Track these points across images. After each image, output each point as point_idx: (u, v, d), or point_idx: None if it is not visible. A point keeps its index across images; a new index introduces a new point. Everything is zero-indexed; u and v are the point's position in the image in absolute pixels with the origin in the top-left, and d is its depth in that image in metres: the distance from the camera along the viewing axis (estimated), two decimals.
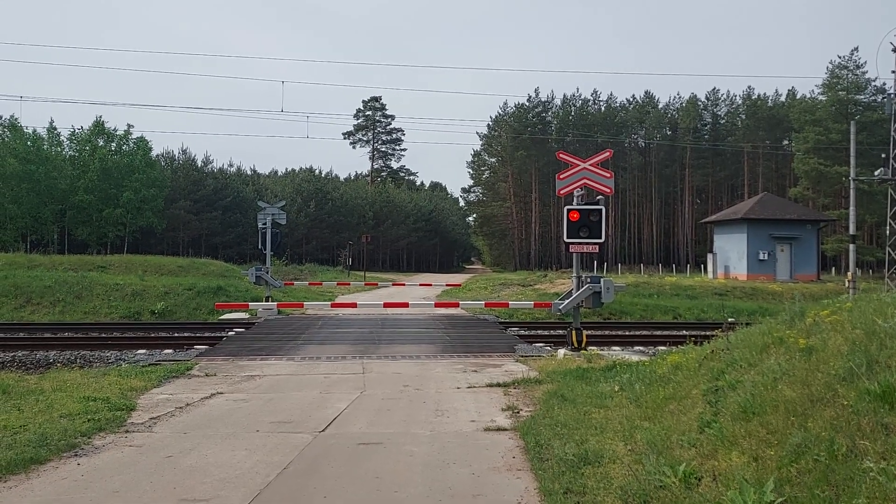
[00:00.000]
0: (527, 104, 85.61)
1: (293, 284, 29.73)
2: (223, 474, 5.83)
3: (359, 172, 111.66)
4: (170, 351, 14.97)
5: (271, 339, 16.30)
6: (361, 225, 77.13)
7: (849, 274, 26.07)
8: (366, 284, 36.77)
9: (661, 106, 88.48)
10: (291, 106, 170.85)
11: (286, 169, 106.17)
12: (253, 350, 14.18)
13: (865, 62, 64.35)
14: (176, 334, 18.51)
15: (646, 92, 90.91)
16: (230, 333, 17.90)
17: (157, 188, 59.20)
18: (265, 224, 24.57)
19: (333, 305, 19.85)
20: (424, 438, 7.07)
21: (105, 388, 9.53)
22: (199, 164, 74.80)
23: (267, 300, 23.70)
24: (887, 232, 28.90)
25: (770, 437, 4.97)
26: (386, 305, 17.93)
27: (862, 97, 63.69)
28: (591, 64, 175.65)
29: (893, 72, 27.41)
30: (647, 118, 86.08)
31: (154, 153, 64.53)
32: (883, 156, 29.41)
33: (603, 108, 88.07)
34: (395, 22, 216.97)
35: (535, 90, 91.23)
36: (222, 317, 22.59)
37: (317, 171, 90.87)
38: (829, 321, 6.78)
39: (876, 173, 29.08)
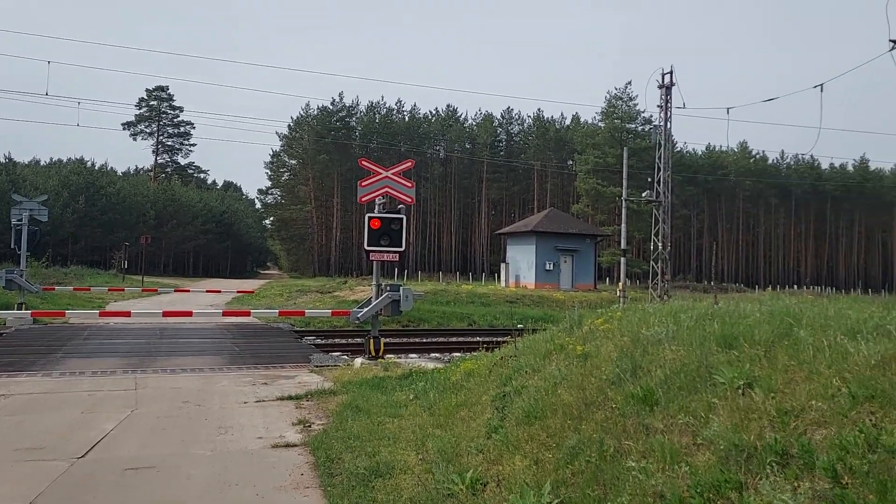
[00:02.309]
0: (331, 108, 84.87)
1: (54, 290, 26.37)
2: None
3: (140, 167, 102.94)
4: None
5: (24, 352, 14.38)
6: (141, 224, 70.42)
7: (620, 284, 28.98)
8: (143, 291, 33.61)
9: (462, 120, 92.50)
10: (59, 89, 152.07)
11: (51, 159, 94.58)
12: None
13: (637, 95, 72.34)
14: None
15: (448, 105, 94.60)
16: None
17: None
18: (21, 220, 21.79)
19: (102, 314, 17.85)
20: (205, 459, 6.58)
21: None
22: None
23: (20, 307, 20.85)
24: (651, 247, 32.55)
25: (549, 440, 5.21)
26: (166, 314, 16.50)
27: (633, 126, 71.53)
28: (396, 74, 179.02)
29: (659, 106, 31.08)
30: (448, 131, 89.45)
31: None
32: (649, 180, 33.14)
33: (407, 118, 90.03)
34: (187, 9, 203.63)
35: (340, 94, 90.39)
36: None
37: (89, 163, 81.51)
38: (602, 329, 7.35)
39: (643, 195, 32.72)
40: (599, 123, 73.98)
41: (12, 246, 22.73)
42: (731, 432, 3.95)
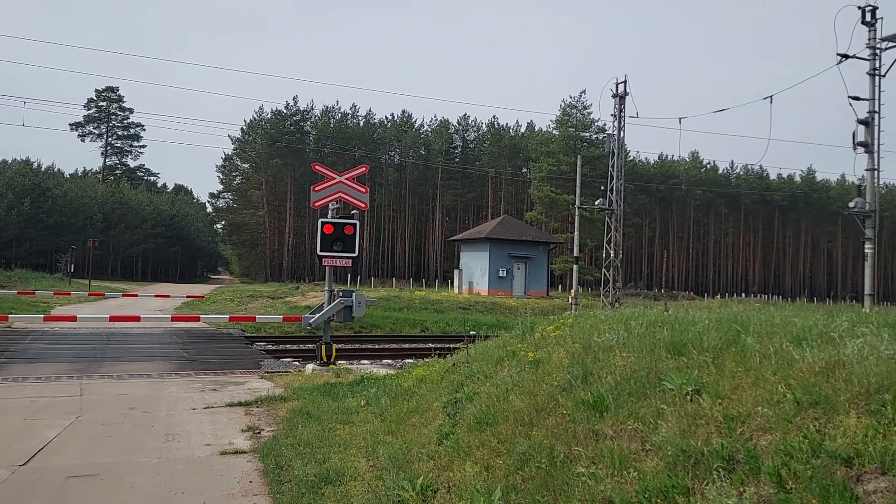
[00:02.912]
0: (284, 111, 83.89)
1: None
2: None
3: (88, 169, 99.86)
4: None
5: None
6: (88, 227, 68.40)
7: (572, 291, 29.33)
8: (90, 295, 32.68)
9: (417, 126, 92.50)
10: (4, 88, 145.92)
11: None
12: None
13: (591, 104, 73.10)
14: None
15: (403, 111, 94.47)
16: None
17: None
18: None
19: (47, 318, 17.25)
20: (150, 467, 6.42)
21: None
22: None
23: None
24: (604, 255, 33.02)
25: (500, 446, 5.22)
26: (113, 319, 16.02)
27: (587, 134, 72.42)
28: (351, 78, 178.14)
29: (612, 115, 31.49)
30: (403, 137, 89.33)
31: None
32: (602, 188, 33.64)
33: (362, 123, 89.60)
34: (136, 9, 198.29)
35: (294, 98, 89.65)
36: None
37: (35, 164, 78.79)
38: (553, 336, 7.40)
39: (596, 203, 33.11)
40: (554, 131, 74.67)
41: None
42: (679, 438, 4.01)
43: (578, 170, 30.34)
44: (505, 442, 5.24)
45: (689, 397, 4.48)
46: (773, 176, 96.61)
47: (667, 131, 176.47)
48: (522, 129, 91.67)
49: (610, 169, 31.75)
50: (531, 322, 8.71)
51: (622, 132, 31.43)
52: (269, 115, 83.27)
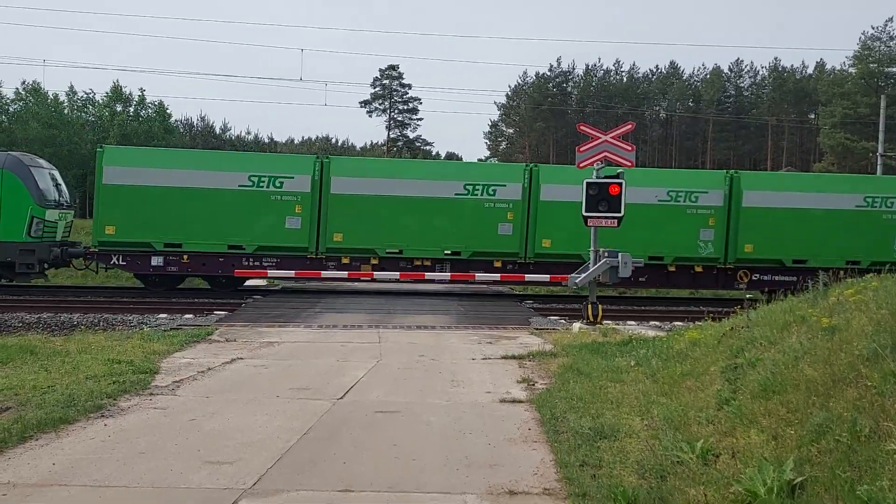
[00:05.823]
0: (548, 74, 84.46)
1: None
2: (245, 438, 5.94)
3: (374, 142, 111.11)
4: (190, 316, 15.10)
5: (289, 306, 16.44)
6: None
7: None
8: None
9: (684, 77, 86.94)
10: (310, 74, 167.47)
11: (303, 137, 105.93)
12: (272, 317, 14.33)
13: None
14: (196, 299, 18.69)
15: (670, 62, 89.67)
16: (249, 300, 18.06)
17: None
18: None
19: (351, 275, 19.83)
20: (441, 408, 7.12)
21: (128, 351, 9.72)
22: (218, 131, 75.20)
23: None
24: None
25: (790, 416, 4.96)
26: (403, 277, 17.98)
27: (894, 69, 61.95)
28: (614, 34, 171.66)
29: None
30: (669, 89, 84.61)
31: (173, 119, 64.69)
32: None
33: (625, 79, 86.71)
34: None
35: (557, 60, 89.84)
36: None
37: (333, 140, 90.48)
38: (853, 301, 6.72)
39: None
40: (850, 69, 65.02)
41: None
42: None
43: (882, 111, 26.21)
44: (796, 412, 4.95)
45: None
46: None
47: None
48: (809, 71, 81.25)
49: None
50: (823, 284, 7.96)
51: None
52: (532, 79, 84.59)
